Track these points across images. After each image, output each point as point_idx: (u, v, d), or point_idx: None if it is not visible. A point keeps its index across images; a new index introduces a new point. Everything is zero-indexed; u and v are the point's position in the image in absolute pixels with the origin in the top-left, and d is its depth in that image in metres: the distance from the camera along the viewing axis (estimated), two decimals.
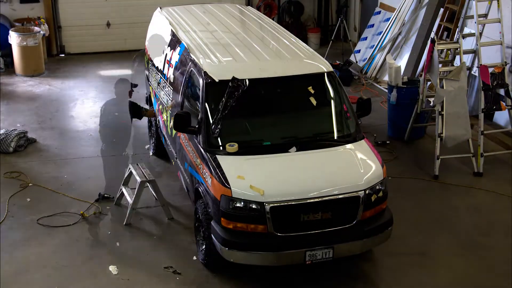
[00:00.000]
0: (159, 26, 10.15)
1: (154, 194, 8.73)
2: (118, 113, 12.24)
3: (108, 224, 8.54)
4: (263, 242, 6.86)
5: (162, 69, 9.43)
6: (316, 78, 8.01)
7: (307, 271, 7.49)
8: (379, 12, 15.11)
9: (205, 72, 7.80)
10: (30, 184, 9.52)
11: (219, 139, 7.42)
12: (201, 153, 7.46)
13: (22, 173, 9.77)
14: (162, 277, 7.46)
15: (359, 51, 15.06)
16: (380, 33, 14.44)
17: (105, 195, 9.08)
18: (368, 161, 7.39)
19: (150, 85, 10.42)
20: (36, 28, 14.32)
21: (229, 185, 6.87)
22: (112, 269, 7.56)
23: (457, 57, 10.32)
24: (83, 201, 9.06)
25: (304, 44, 8.86)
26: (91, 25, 15.85)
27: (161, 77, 9.46)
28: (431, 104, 10.44)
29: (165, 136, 9.35)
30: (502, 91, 10.14)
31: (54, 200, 9.14)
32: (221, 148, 7.35)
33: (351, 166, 7.29)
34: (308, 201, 6.85)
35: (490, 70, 9.97)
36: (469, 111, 9.93)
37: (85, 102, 12.89)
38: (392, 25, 14.06)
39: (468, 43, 10.65)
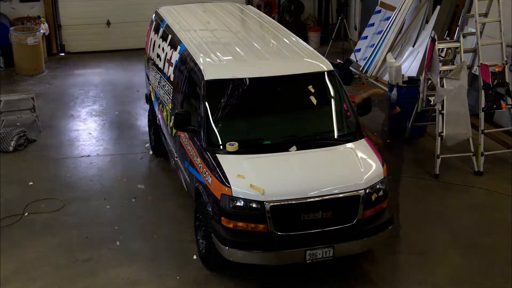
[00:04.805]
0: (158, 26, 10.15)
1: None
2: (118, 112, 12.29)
3: (107, 224, 8.53)
4: (263, 241, 6.85)
5: (162, 68, 9.42)
6: (316, 77, 8.00)
7: (307, 270, 7.49)
8: (379, 11, 15.09)
9: (205, 71, 7.79)
10: (30, 183, 9.51)
11: (219, 138, 7.41)
12: (201, 152, 7.46)
13: (22, 173, 9.77)
14: (162, 276, 7.45)
15: (359, 50, 15.04)
16: (381, 32, 14.42)
17: None
18: (369, 160, 7.38)
19: (150, 84, 10.40)
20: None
21: (229, 184, 6.86)
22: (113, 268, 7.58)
23: (458, 56, 10.31)
24: (83, 200, 9.07)
25: (305, 43, 8.85)
26: (91, 24, 15.82)
27: (161, 76, 9.45)
28: (432, 103, 10.42)
29: (165, 135, 9.34)
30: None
31: (54, 199, 9.13)
32: (221, 147, 7.34)
33: (351, 165, 7.28)
34: (309, 200, 6.83)
35: (491, 69, 9.96)
36: (470, 110, 9.92)
37: (85, 101, 12.87)
38: (392, 24, 14.03)
39: (468, 42, 10.63)
